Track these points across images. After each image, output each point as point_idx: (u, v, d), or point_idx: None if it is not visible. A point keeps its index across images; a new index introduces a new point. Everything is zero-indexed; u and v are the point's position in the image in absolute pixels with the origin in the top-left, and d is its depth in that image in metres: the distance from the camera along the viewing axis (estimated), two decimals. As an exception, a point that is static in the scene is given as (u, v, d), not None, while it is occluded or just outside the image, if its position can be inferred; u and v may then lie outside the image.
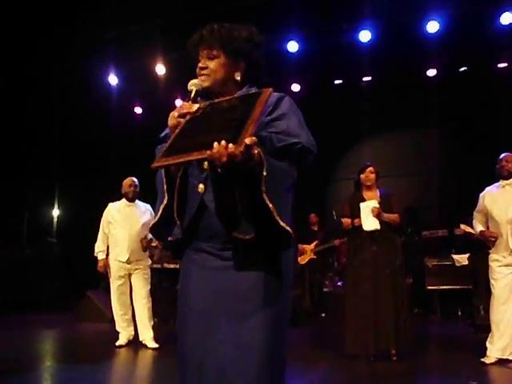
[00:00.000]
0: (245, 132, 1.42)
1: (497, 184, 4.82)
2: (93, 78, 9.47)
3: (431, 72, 9.19)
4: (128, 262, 5.50)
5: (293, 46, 8.44)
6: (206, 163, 1.69)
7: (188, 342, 1.71)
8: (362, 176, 5.10)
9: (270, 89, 1.59)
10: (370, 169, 5.08)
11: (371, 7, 7.67)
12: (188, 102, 1.74)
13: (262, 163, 1.50)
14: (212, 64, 1.81)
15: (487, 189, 4.87)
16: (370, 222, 4.81)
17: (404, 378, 4.33)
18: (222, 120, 1.56)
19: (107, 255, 5.65)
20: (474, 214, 4.92)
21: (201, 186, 1.71)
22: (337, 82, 9.81)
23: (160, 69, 9.04)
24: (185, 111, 1.66)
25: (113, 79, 9.59)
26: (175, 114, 1.67)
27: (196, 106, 1.67)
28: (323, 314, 8.33)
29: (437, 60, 8.94)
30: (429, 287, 8.00)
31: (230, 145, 1.38)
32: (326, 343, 5.77)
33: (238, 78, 1.85)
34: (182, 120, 1.65)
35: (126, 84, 9.65)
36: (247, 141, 1.39)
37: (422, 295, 8.13)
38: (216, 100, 1.75)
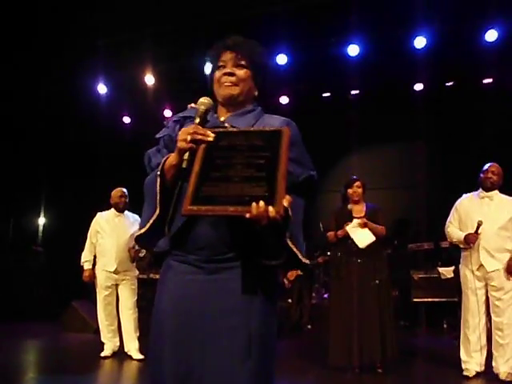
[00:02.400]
0: (280, 191, 1.43)
1: (475, 193, 4.75)
2: (81, 86, 9.44)
3: (418, 86, 9.30)
4: (115, 272, 5.47)
5: (282, 59, 8.49)
6: None
7: (167, 354, 1.64)
8: (350, 191, 5.13)
9: (289, 128, 1.61)
10: (358, 183, 5.12)
11: (360, 21, 7.75)
12: (198, 123, 1.68)
13: (288, 215, 1.53)
14: (241, 72, 1.78)
15: (463, 197, 4.81)
16: (362, 237, 4.83)
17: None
18: (247, 164, 1.53)
19: (94, 265, 5.62)
20: (448, 224, 4.82)
21: None
22: (325, 94, 9.88)
23: (149, 79, 9.05)
24: (199, 138, 1.60)
25: (102, 88, 9.58)
26: (188, 137, 1.60)
27: (212, 136, 1.61)
28: (309, 326, 8.33)
29: (424, 75, 9.04)
30: (415, 299, 8.04)
31: (271, 208, 1.40)
32: (312, 355, 5.76)
33: (256, 94, 1.86)
34: (193, 145, 1.60)
35: (114, 93, 9.64)
36: (285, 203, 1.43)
37: (407, 308, 8.16)
38: (230, 129, 1.71)
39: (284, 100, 9.76)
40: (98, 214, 5.75)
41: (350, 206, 5.06)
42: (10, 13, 8.23)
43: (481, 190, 4.71)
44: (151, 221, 1.70)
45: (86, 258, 5.64)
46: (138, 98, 9.38)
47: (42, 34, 8.53)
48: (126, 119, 10.54)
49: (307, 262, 1.65)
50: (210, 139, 1.60)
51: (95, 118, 9.67)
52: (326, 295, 8.49)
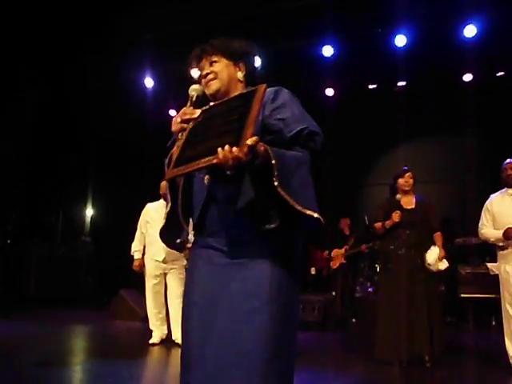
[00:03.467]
0: (245, 133, 1.49)
1: (502, 191, 4.70)
2: (129, 80, 9.63)
3: (467, 77, 9.08)
4: (164, 261, 5.57)
5: (328, 51, 8.44)
6: (206, 178, 1.77)
7: (192, 337, 1.73)
8: (401, 181, 5.05)
9: (265, 84, 1.64)
10: (409, 174, 5.04)
11: (407, 11, 7.63)
12: (189, 107, 1.82)
13: (269, 158, 1.54)
14: (215, 67, 1.92)
15: (492, 197, 4.74)
16: (440, 265, 4.80)
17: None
18: (223, 123, 1.62)
19: (143, 254, 5.74)
20: (481, 226, 4.74)
21: (207, 177, 1.78)
22: (371, 86, 9.76)
23: (195, 72, 9.13)
24: (187, 117, 1.76)
25: (149, 81, 9.73)
26: (178, 119, 1.77)
27: (198, 112, 1.76)
28: (354, 320, 8.29)
29: (474, 65, 8.82)
30: (462, 295, 7.88)
31: (234, 148, 1.46)
32: (357, 349, 5.74)
33: (241, 76, 1.95)
34: (184, 125, 1.74)
35: (161, 86, 9.78)
36: (248, 142, 1.47)
37: (454, 303, 8.01)
38: (216, 103, 1.84)
39: (329, 92, 9.70)
40: (148, 204, 5.86)
41: (398, 196, 4.99)
42: (58, 10, 8.45)
43: (506, 188, 4.66)
44: (166, 212, 1.85)
45: (136, 247, 5.76)
46: (183, 90, 9.48)
47: (90, 30, 8.72)
48: (173, 112, 10.67)
49: (309, 212, 1.57)
50: (196, 116, 1.75)
51: (142, 111, 9.85)
52: (370, 289, 8.42)
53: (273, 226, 1.62)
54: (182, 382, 1.74)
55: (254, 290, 1.66)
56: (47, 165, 9.77)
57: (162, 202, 5.76)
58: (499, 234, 4.51)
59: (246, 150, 1.46)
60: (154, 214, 5.72)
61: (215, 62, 1.93)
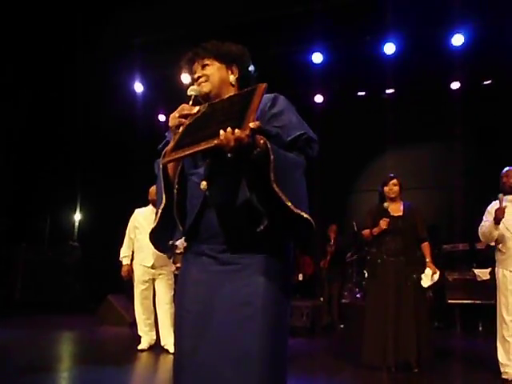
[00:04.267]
0: (247, 118, 1.50)
1: (504, 198, 4.65)
2: (118, 84, 9.61)
3: (455, 85, 9.19)
4: (152, 267, 5.55)
5: (317, 58, 8.49)
6: (203, 183, 1.74)
7: (184, 346, 1.71)
8: (386, 188, 5.10)
9: (265, 83, 1.65)
10: (394, 181, 5.08)
11: (395, 20, 7.70)
12: (187, 103, 1.81)
13: (268, 152, 1.55)
14: (206, 70, 1.92)
15: (495, 202, 4.73)
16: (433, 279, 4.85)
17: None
18: (224, 115, 1.63)
19: (131, 260, 5.72)
20: (480, 226, 4.70)
21: (203, 182, 1.74)
22: (360, 93, 9.83)
23: (185, 77, 9.14)
24: (186, 112, 1.74)
25: (138, 86, 9.73)
26: (176, 114, 1.75)
27: (196, 108, 1.75)
28: (342, 326, 8.31)
29: (461, 73, 8.92)
30: (449, 301, 7.94)
31: (236, 130, 1.46)
32: (345, 354, 5.75)
33: (233, 80, 1.95)
34: (183, 120, 1.72)
35: (150, 91, 9.78)
36: (251, 125, 1.48)
37: (442, 309, 8.06)
38: (215, 101, 1.83)
39: (319, 99, 9.75)
40: (136, 210, 5.85)
41: (386, 205, 5.02)
42: (48, 14, 8.43)
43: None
44: (159, 212, 1.79)
45: (124, 253, 5.74)
46: (173, 95, 9.48)
47: (79, 33, 8.71)
48: (162, 117, 10.68)
49: (302, 213, 1.58)
50: (195, 111, 1.74)
51: (132, 116, 9.84)
52: (358, 294, 8.45)
53: (263, 226, 1.62)
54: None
55: (247, 298, 1.66)
56: (35, 169, 9.71)
57: (150, 207, 5.75)
58: (491, 223, 4.51)
59: (248, 131, 1.47)
60: (142, 220, 5.70)
61: (207, 65, 1.93)
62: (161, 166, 1.76)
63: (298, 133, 1.73)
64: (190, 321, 1.72)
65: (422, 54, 8.14)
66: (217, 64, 1.93)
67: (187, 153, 1.54)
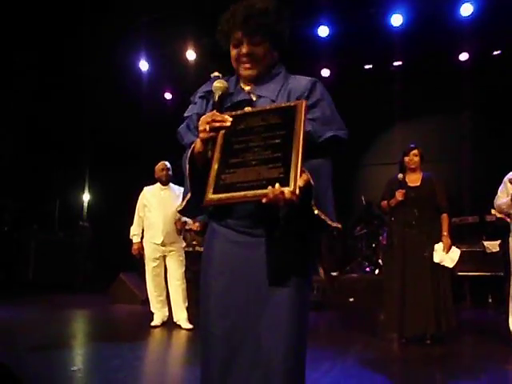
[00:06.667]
0: (295, 171, 1.45)
1: None
2: (123, 63, 9.56)
3: (463, 56, 9.05)
4: (163, 244, 5.59)
5: (323, 31, 8.40)
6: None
7: (212, 315, 1.71)
8: (406, 159, 5.05)
9: (305, 102, 1.59)
10: (414, 151, 5.03)
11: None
12: (215, 109, 1.68)
13: (309, 188, 1.54)
14: (258, 50, 1.76)
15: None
16: (452, 257, 4.79)
17: (437, 361, 4.34)
18: (263, 146, 1.55)
19: (142, 238, 5.76)
20: (496, 198, 4.75)
21: None
22: (367, 66, 9.71)
23: (190, 54, 9.09)
24: (218, 125, 1.62)
25: (143, 65, 9.68)
26: (207, 127, 1.62)
27: (229, 121, 1.62)
28: (351, 299, 8.34)
29: (469, 44, 8.79)
30: (459, 273, 7.94)
31: (286, 190, 1.41)
32: (357, 327, 5.81)
33: (275, 64, 1.84)
34: (213, 134, 1.62)
35: (156, 70, 9.73)
36: (300, 184, 1.45)
37: (452, 281, 8.06)
38: (247, 110, 1.70)
39: (325, 72, 9.65)
40: (145, 188, 5.87)
41: (400, 176, 4.98)
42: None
43: None
44: (185, 200, 1.78)
45: (134, 231, 5.78)
46: (179, 73, 9.43)
47: (83, 13, 8.63)
48: (168, 95, 10.64)
49: (338, 226, 1.66)
50: (228, 124, 1.62)
51: (137, 95, 9.80)
52: (368, 268, 8.49)
53: (298, 230, 1.67)
54: (205, 359, 1.73)
55: (276, 272, 1.66)
56: (43, 151, 9.73)
57: (158, 185, 5.79)
58: (508, 198, 4.55)
59: (298, 193, 1.42)
60: (151, 198, 5.74)
61: (259, 43, 1.75)
62: (204, 204, 1.59)
63: (330, 135, 1.69)
64: (217, 292, 1.71)
65: (429, 26, 8.00)
66: (267, 45, 1.77)
67: (231, 202, 1.53)
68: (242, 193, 1.49)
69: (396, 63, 9.58)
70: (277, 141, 1.53)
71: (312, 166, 1.58)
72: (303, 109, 1.55)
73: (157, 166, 5.83)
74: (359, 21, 8.15)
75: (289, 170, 1.45)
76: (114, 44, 8.87)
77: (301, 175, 1.45)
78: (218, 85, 1.72)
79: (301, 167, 1.45)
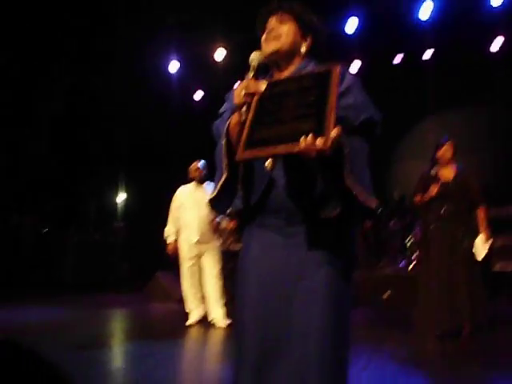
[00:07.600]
0: (328, 123, 1.43)
1: None
2: (154, 64, 9.67)
3: (495, 47, 8.88)
4: (198, 243, 5.63)
5: (352, 24, 8.37)
6: (268, 161, 1.69)
7: (246, 316, 1.70)
8: (439, 153, 5.01)
9: (339, 66, 1.59)
10: (446, 147, 4.98)
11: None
12: (251, 78, 1.71)
13: (342, 148, 1.52)
14: (283, 28, 1.82)
15: None
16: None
17: (473, 357, 4.30)
18: (297, 104, 1.56)
19: (177, 237, 5.82)
20: None
21: (269, 160, 1.70)
22: (397, 59, 9.60)
23: (220, 54, 9.14)
24: (252, 91, 1.65)
25: (173, 65, 9.77)
26: (241, 92, 1.65)
27: (264, 86, 1.66)
28: (384, 296, 8.25)
29: (501, 35, 8.62)
30: (496, 268, 7.78)
31: (319, 140, 1.40)
32: (391, 323, 5.79)
33: (303, 50, 1.86)
34: (248, 99, 1.64)
35: (186, 69, 9.81)
36: (333, 134, 1.42)
37: (488, 276, 7.90)
38: (282, 77, 1.75)
39: (355, 66, 9.59)
40: (180, 187, 5.92)
41: (433, 172, 4.95)
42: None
43: None
44: (220, 183, 1.76)
45: (169, 231, 5.84)
46: (209, 73, 9.49)
47: (112, 13, 8.74)
48: (198, 95, 10.70)
49: (372, 201, 1.60)
50: (263, 89, 1.65)
51: (168, 95, 9.90)
52: (402, 263, 8.40)
53: (334, 212, 1.61)
54: (238, 360, 1.71)
55: (312, 272, 1.65)
56: (78, 153, 9.92)
57: (193, 184, 5.82)
58: None
59: (330, 143, 1.41)
60: (185, 197, 5.79)
61: (285, 21, 1.82)
62: (237, 159, 1.59)
63: (365, 116, 1.67)
64: (253, 292, 1.71)
65: (459, 16, 7.88)
66: (295, 26, 1.83)
67: (263, 155, 1.53)
68: (274, 146, 1.48)
69: (426, 56, 9.43)
70: (311, 99, 1.54)
71: (350, 141, 1.57)
72: (337, 71, 1.56)
73: (190, 167, 5.87)
74: (389, 12, 8.07)
75: (322, 124, 1.44)
76: (145, 44, 8.96)
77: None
78: (256, 55, 1.77)
79: (334, 123, 1.44)
